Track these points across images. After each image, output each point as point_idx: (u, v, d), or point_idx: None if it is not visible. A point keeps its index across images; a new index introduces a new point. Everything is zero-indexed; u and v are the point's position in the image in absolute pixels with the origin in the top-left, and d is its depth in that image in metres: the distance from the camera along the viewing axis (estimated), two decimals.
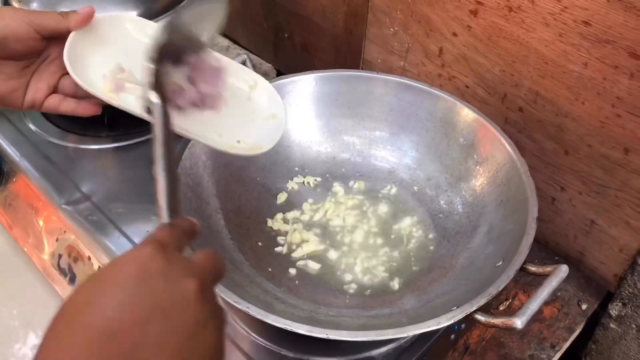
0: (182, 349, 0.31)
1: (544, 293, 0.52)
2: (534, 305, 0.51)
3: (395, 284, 0.66)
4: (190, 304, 0.32)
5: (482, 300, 0.52)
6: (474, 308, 0.51)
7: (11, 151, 0.86)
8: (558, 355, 0.72)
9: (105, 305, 0.31)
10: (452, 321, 0.51)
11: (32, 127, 0.89)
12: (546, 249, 0.82)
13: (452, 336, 0.67)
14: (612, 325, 0.77)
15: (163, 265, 0.33)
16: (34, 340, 0.78)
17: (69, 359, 0.29)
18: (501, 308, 0.76)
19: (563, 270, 0.53)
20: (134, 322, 0.30)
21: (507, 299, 0.77)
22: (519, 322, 0.50)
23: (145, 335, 0.30)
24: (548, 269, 0.55)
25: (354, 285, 0.66)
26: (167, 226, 0.41)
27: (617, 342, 0.77)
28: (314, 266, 0.67)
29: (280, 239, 0.70)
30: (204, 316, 0.33)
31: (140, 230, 0.74)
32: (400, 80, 0.77)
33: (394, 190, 0.76)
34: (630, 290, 0.72)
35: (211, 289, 0.36)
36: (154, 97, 0.47)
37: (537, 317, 0.75)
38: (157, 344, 0.30)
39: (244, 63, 0.75)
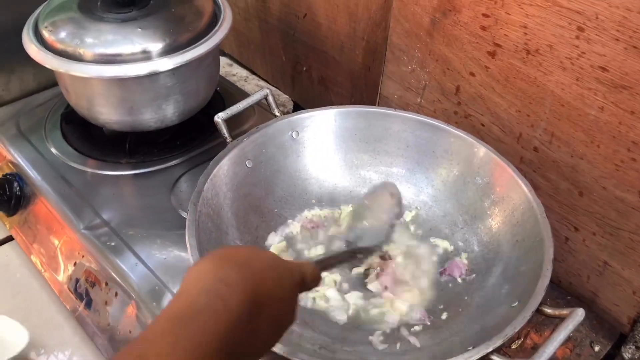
0: (281, 303, 0.42)
1: (560, 336, 0.52)
2: (550, 349, 0.52)
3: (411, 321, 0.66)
4: (293, 284, 0.44)
5: (498, 342, 0.52)
6: (490, 349, 0.52)
7: (32, 174, 0.88)
8: None
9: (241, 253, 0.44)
10: None
11: (53, 150, 0.91)
12: (559, 288, 0.82)
13: None
14: None
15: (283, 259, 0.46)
16: None
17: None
18: (513, 347, 0.76)
19: (579, 314, 0.54)
20: (260, 269, 0.41)
21: (519, 338, 0.76)
22: None
23: (264, 280, 0.41)
24: (564, 312, 0.55)
25: (368, 321, 0.66)
26: None
27: None
28: (329, 299, 0.67)
29: None
30: (294, 298, 0.45)
31: (158, 257, 0.75)
32: (418, 117, 0.78)
33: (410, 227, 0.77)
34: None
35: (301, 289, 0.47)
36: None
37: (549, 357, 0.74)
38: (270, 289, 0.41)
39: (266, 98, 0.77)
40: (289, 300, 0.44)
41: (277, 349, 0.51)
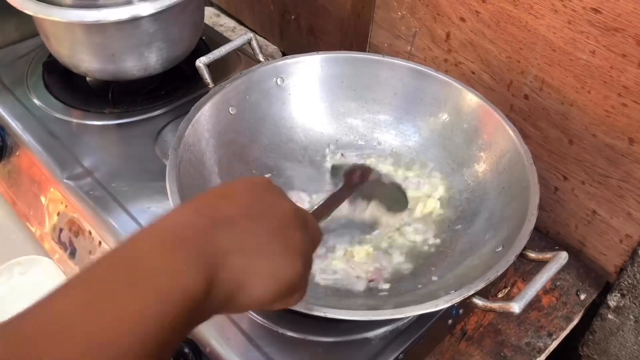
0: (271, 234, 0.38)
1: (542, 279, 0.52)
2: (531, 291, 0.51)
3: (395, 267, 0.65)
4: (285, 210, 0.40)
5: (480, 285, 0.51)
6: (472, 292, 0.51)
7: (15, 125, 0.86)
8: (555, 344, 0.72)
9: (219, 191, 0.42)
10: (449, 304, 0.51)
11: (36, 102, 0.89)
12: (547, 239, 0.82)
13: (450, 321, 0.67)
14: (610, 316, 0.77)
15: (270, 184, 0.42)
16: None
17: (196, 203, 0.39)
18: (500, 295, 0.76)
19: (562, 257, 0.53)
20: (239, 203, 0.39)
21: (505, 287, 0.76)
22: (516, 307, 0.50)
23: (248, 209, 0.38)
24: (547, 255, 0.55)
25: (353, 266, 0.66)
26: None
27: (615, 333, 0.77)
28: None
29: None
30: (295, 221, 0.40)
31: (141, 206, 0.74)
32: (406, 64, 0.76)
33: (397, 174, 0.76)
34: (630, 281, 0.72)
35: (305, 226, 0.41)
36: None
37: (535, 305, 0.75)
38: (250, 217, 0.38)
39: (249, 43, 0.75)
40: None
41: None
